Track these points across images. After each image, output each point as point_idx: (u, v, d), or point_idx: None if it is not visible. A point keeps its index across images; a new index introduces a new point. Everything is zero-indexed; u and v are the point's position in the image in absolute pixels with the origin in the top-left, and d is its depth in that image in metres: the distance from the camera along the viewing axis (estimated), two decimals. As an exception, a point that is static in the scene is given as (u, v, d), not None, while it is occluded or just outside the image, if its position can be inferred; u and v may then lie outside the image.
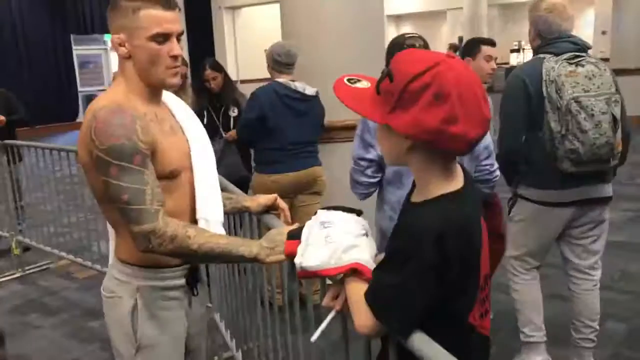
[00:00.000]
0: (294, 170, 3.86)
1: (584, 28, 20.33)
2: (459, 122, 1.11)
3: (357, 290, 1.24)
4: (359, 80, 1.27)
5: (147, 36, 1.56)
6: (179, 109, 1.82)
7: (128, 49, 1.60)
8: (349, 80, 1.26)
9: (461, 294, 1.20)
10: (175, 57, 1.60)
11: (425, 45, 2.53)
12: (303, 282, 3.03)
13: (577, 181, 2.64)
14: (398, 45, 2.52)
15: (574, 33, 2.75)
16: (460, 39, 19.13)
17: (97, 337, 3.80)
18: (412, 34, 2.63)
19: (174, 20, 1.60)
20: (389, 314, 1.16)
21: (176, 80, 1.64)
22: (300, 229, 1.40)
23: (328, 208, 1.43)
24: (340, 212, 1.40)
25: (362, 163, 2.54)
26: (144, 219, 1.50)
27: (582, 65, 2.56)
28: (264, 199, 2.00)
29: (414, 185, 1.31)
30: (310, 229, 1.36)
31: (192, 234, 1.53)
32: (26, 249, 5.34)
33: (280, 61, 3.79)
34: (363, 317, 1.19)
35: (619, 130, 2.55)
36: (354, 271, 1.26)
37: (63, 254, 4.89)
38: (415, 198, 1.27)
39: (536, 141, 2.65)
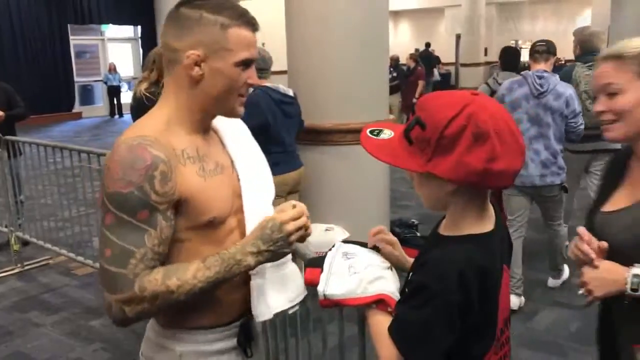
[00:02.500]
0: (292, 170, 3.96)
1: (582, 25, 20.35)
2: (501, 159, 1.12)
3: (382, 322, 1.25)
4: (381, 131, 1.27)
5: (235, 61, 1.33)
6: (232, 134, 1.56)
7: (204, 70, 1.33)
8: (371, 132, 1.27)
9: (478, 335, 1.21)
10: (250, 86, 1.40)
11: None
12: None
13: (590, 139, 4.06)
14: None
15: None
16: (458, 36, 19.16)
17: (98, 337, 3.81)
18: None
19: (256, 44, 1.39)
20: (413, 350, 1.17)
21: (242, 111, 1.43)
22: (318, 258, 1.39)
23: (347, 242, 1.43)
24: (360, 247, 1.41)
25: None
26: (117, 286, 1.26)
27: (592, 69, 3.25)
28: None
29: (443, 217, 1.33)
30: (333, 259, 1.35)
31: (175, 284, 1.27)
32: (25, 243, 5.33)
33: (259, 67, 3.81)
34: (387, 351, 1.20)
35: None
36: (378, 302, 1.28)
37: (63, 251, 4.89)
38: (444, 231, 1.28)
39: None
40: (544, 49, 3.94)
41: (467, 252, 1.18)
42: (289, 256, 1.51)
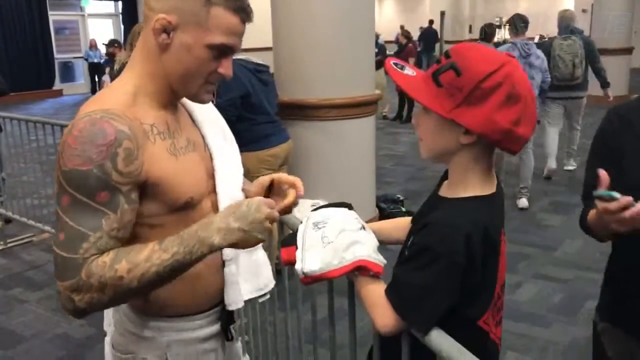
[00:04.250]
0: (283, 141, 3.95)
1: (565, 6, 20.37)
2: (522, 124, 1.15)
3: (373, 290, 1.23)
4: (403, 67, 1.25)
5: (208, 43, 1.19)
6: (200, 108, 1.43)
7: (171, 39, 1.19)
8: (395, 64, 1.25)
9: (476, 297, 1.21)
10: (222, 77, 1.26)
11: None
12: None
13: (563, 89, 6.02)
14: None
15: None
16: (443, 13, 19.08)
17: (84, 313, 3.79)
18: None
19: (242, 35, 1.25)
20: (412, 311, 1.16)
21: (208, 98, 1.30)
22: (291, 235, 1.34)
23: (316, 208, 1.39)
24: (330, 209, 1.37)
25: None
26: (66, 273, 1.12)
27: (566, 40, 5.94)
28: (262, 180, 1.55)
29: (443, 177, 1.32)
30: (304, 233, 1.30)
31: (124, 268, 1.12)
32: (8, 220, 5.28)
33: None
34: (386, 317, 1.18)
35: (579, 68, 5.90)
36: (359, 268, 1.25)
37: (47, 228, 4.85)
38: (446, 193, 1.27)
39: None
40: (525, 24, 5.58)
41: (473, 213, 1.18)
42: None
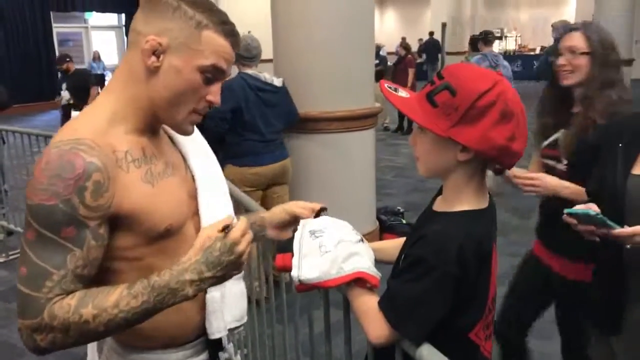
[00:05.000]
0: (272, 162, 3.90)
1: (566, 17, 20.43)
2: (517, 140, 1.19)
3: (367, 301, 1.25)
4: (397, 89, 1.29)
5: (199, 65, 1.16)
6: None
7: (161, 62, 1.16)
8: (389, 87, 1.28)
9: (468, 309, 1.24)
10: (209, 105, 1.23)
11: None
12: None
13: None
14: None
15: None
16: (444, 24, 19.16)
17: (84, 325, 3.79)
18: None
19: (232, 61, 1.23)
20: (405, 322, 1.18)
21: (191, 130, 1.26)
22: (286, 242, 1.36)
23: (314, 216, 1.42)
24: (327, 218, 1.39)
25: None
26: (28, 311, 1.07)
27: None
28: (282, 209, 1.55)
29: (437, 194, 1.35)
30: (301, 240, 1.31)
31: (90, 314, 1.07)
32: (10, 233, 5.30)
33: (242, 55, 3.80)
34: (378, 328, 1.21)
35: None
36: (356, 280, 1.27)
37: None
38: (440, 207, 1.31)
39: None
40: (495, 38, 6.03)
41: (466, 227, 1.21)
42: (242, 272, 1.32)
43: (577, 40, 2.14)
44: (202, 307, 1.36)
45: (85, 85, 6.53)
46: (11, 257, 5.08)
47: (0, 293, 4.37)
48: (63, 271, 1.07)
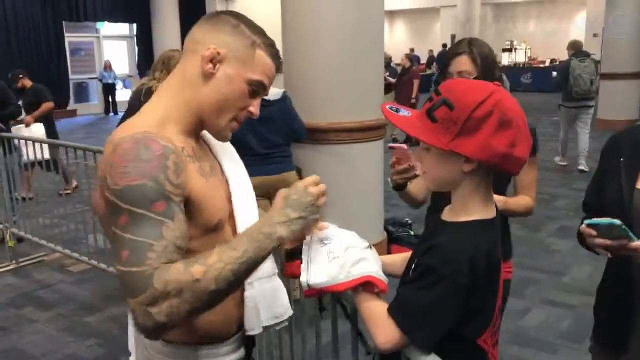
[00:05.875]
0: (265, 175, 3.70)
1: (576, 30, 20.45)
2: (519, 146, 1.22)
3: (376, 307, 1.29)
4: (399, 109, 1.33)
5: (249, 78, 1.30)
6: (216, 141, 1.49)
7: (216, 70, 1.29)
8: (390, 108, 1.32)
9: (478, 316, 1.27)
10: (249, 116, 1.35)
11: None
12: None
13: (579, 100, 8.05)
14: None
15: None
16: (454, 36, 19.21)
17: (93, 333, 3.83)
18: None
19: (273, 81, 1.38)
20: (416, 329, 1.22)
21: (230, 137, 1.39)
22: (295, 249, 1.39)
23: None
24: (335, 228, 1.41)
25: None
26: (137, 287, 1.09)
27: (582, 62, 7.87)
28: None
29: (439, 203, 1.37)
30: (310, 248, 1.34)
31: (200, 271, 1.11)
32: (20, 240, 5.34)
33: None
34: (388, 333, 1.23)
35: (594, 85, 8.08)
36: (364, 284, 1.30)
37: (59, 248, 4.89)
38: (449, 217, 1.33)
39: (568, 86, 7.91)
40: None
41: (476, 237, 1.25)
42: (276, 269, 1.48)
43: (465, 64, 2.20)
44: (241, 303, 1.42)
45: (39, 102, 6.62)
46: (21, 264, 5.12)
47: (10, 300, 4.40)
48: (164, 242, 1.12)
